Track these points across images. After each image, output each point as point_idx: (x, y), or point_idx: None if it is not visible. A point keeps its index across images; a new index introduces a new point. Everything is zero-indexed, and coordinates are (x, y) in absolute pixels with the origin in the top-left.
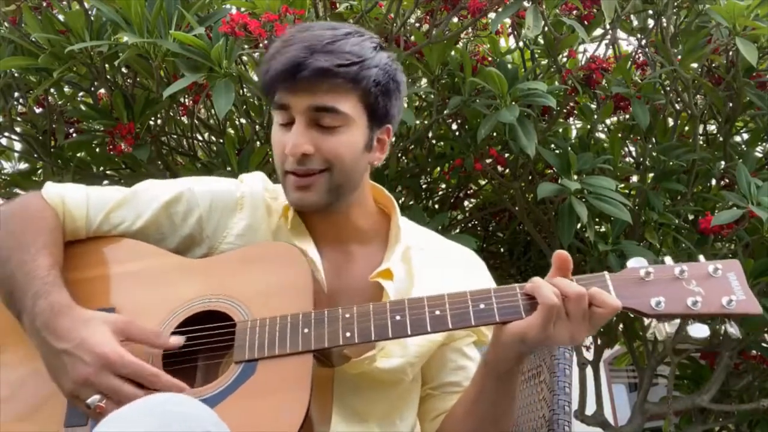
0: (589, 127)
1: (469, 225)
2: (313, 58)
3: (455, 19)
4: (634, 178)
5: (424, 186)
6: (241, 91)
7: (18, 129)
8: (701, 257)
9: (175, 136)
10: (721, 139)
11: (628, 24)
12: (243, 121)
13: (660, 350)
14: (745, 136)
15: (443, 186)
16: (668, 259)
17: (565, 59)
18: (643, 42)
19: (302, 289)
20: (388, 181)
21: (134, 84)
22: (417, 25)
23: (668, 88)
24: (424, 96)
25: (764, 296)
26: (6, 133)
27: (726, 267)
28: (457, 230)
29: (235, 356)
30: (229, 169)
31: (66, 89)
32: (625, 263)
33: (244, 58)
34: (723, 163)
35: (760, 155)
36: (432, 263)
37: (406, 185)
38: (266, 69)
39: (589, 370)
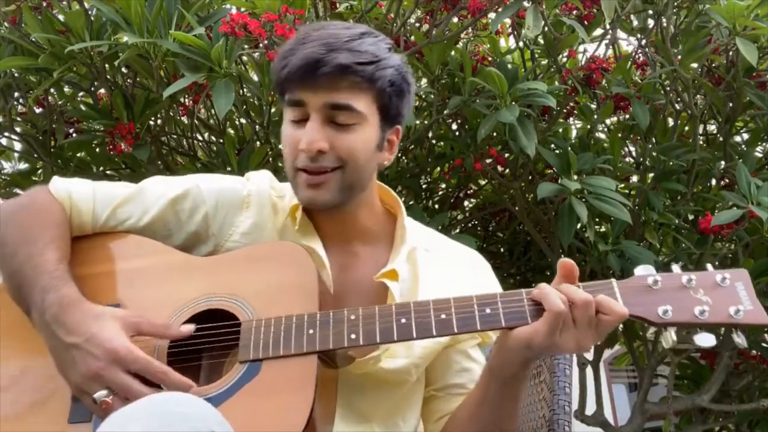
0: (589, 127)
1: (469, 225)
2: (332, 55)
3: (455, 19)
4: (634, 178)
5: (424, 186)
6: (241, 91)
7: (18, 129)
8: (709, 266)
9: (175, 136)
10: (721, 139)
11: (628, 24)
12: (243, 121)
13: (660, 350)
14: (745, 136)
15: (443, 186)
16: (676, 268)
17: (565, 59)
18: (643, 42)
19: (308, 289)
20: (388, 181)
21: (134, 84)
22: (417, 25)
23: (668, 88)
24: (424, 96)
25: (764, 296)
26: (6, 133)
27: (734, 276)
28: (457, 230)
29: (240, 356)
30: (229, 169)
31: (66, 89)
32: (625, 263)
33: (244, 58)
34: (723, 163)
35: (760, 155)
36: (437, 264)
37: (406, 185)
38: (283, 65)
39: (589, 370)
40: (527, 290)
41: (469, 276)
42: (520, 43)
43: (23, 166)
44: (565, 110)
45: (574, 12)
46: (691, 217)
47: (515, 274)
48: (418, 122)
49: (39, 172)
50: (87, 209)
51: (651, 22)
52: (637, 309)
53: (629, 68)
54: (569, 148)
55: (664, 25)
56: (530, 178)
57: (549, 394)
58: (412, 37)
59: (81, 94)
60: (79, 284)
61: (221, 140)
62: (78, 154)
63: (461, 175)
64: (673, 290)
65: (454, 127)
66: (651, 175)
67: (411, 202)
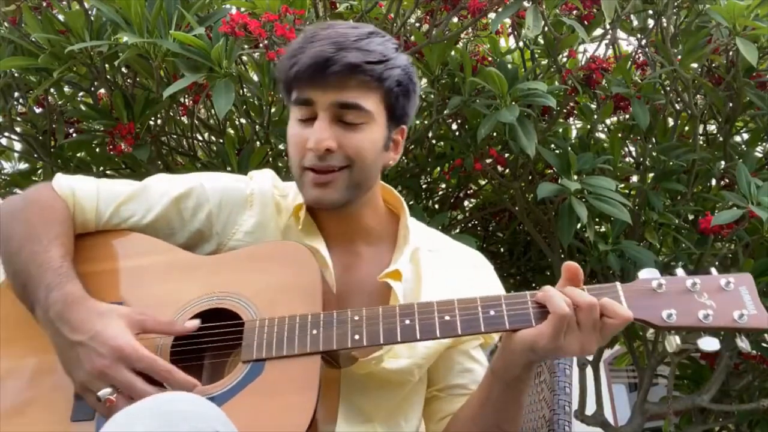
0: (589, 127)
1: (469, 225)
2: (342, 54)
3: (455, 19)
4: (634, 178)
5: (424, 186)
6: (241, 91)
7: (18, 129)
8: (713, 270)
9: (175, 136)
10: (721, 139)
11: (628, 24)
12: (243, 121)
13: (660, 350)
14: (745, 136)
15: (443, 186)
16: (680, 271)
17: (565, 59)
18: (643, 42)
19: (311, 289)
20: (388, 181)
21: (134, 84)
22: (417, 25)
23: (668, 88)
24: (424, 96)
25: (764, 296)
26: (6, 133)
27: (738, 281)
28: (457, 230)
29: (243, 355)
30: (229, 169)
31: (66, 89)
32: (625, 263)
33: (244, 58)
34: (723, 163)
35: (760, 155)
36: (440, 265)
37: (406, 185)
38: (291, 63)
39: (589, 370)
40: (531, 292)
41: (472, 276)
42: (520, 43)
43: (23, 166)
44: (565, 110)
45: (574, 12)
46: (691, 217)
47: (515, 274)
48: (418, 122)
49: (39, 172)
50: (90, 207)
51: (651, 22)
52: (641, 312)
53: (629, 68)
54: (569, 148)
55: (664, 25)
56: (530, 178)
57: (549, 394)
58: (412, 37)
59: (81, 94)
60: (82, 282)
61: (221, 140)
62: (78, 154)
63: (461, 175)
64: (677, 294)
65: (454, 127)
66: (651, 175)
67: (411, 202)
